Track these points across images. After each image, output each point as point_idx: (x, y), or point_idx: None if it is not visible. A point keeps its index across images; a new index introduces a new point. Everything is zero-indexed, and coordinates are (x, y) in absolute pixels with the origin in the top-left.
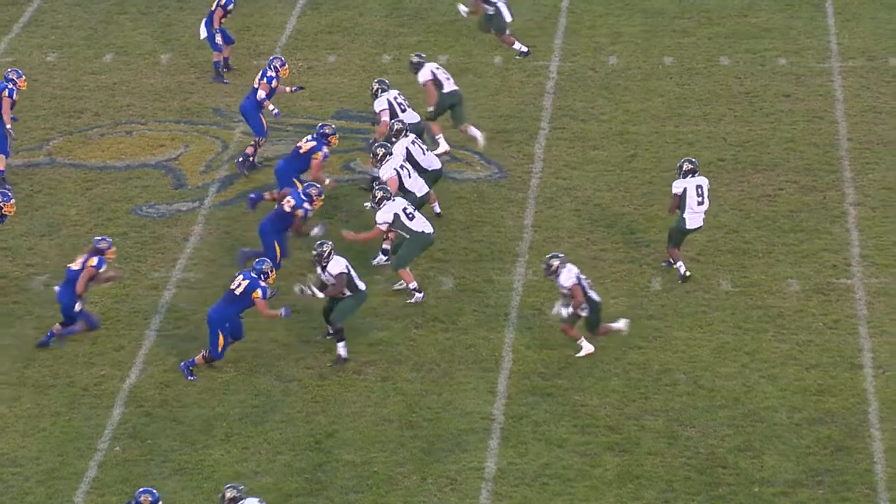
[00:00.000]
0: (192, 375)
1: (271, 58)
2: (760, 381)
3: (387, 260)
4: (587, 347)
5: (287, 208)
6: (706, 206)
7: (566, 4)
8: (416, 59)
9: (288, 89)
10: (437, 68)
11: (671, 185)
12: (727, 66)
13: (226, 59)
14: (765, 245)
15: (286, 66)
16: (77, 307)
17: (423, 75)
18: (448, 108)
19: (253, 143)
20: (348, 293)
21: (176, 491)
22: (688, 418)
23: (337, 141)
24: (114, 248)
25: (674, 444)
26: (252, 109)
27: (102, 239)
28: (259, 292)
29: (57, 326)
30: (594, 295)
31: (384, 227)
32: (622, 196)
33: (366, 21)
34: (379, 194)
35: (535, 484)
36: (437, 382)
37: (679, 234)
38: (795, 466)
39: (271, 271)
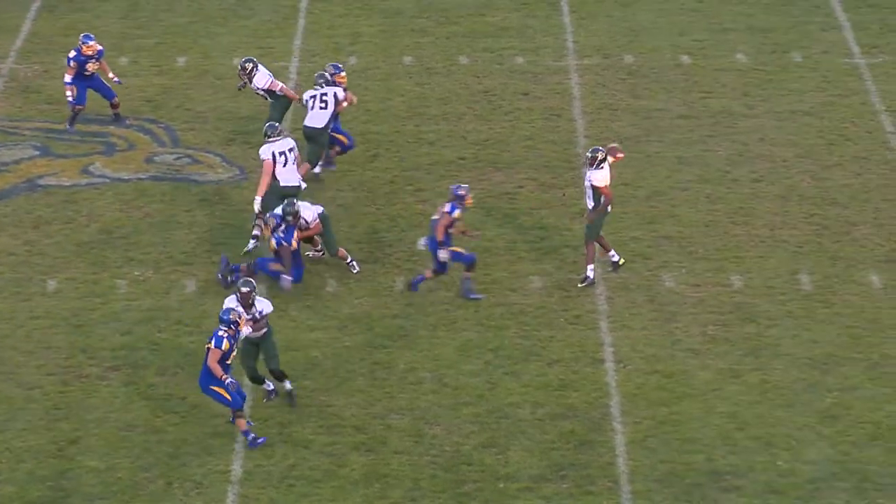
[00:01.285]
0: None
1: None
2: (504, 377)
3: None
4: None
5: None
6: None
7: (304, 5)
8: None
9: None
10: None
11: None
12: (466, 65)
13: None
14: (506, 242)
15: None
16: (442, 256)
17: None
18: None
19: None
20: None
21: None
22: (433, 416)
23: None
24: (471, 197)
25: (420, 443)
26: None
27: (460, 187)
28: (212, 342)
29: (428, 272)
30: None
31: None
32: (365, 196)
33: (102, 24)
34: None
35: (282, 485)
36: (182, 386)
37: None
38: (539, 461)
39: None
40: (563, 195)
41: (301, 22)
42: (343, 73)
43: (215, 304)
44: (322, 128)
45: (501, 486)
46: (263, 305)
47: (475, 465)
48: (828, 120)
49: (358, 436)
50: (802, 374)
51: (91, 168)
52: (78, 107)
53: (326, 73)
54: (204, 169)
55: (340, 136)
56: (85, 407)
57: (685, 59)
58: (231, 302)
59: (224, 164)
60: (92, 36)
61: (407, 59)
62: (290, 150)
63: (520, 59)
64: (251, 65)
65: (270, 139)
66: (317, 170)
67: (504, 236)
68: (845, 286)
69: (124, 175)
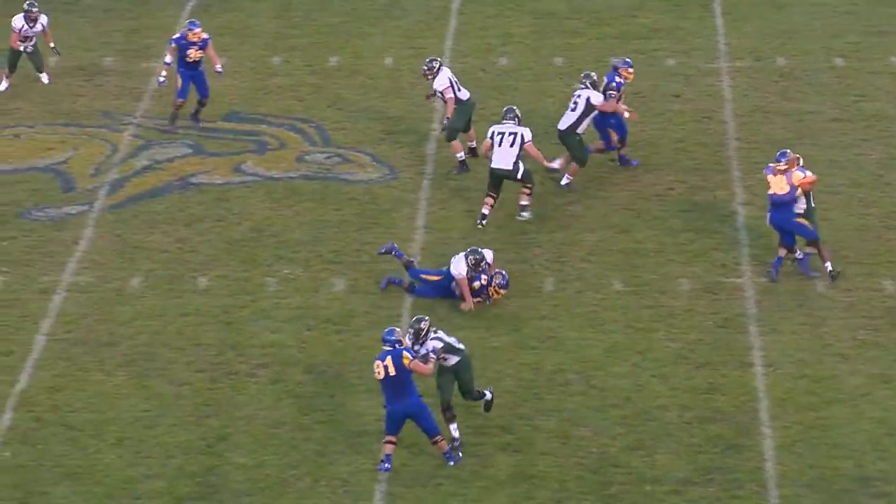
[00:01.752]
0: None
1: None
2: (651, 380)
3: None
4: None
5: None
6: None
7: (456, 6)
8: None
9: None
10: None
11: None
12: None
13: None
14: (655, 245)
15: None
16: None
17: (441, 82)
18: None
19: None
20: (454, 359)
21: (66, 496)
22: (580, 418)
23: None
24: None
25: (566, 444)
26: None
27: None
28: (408, 355)
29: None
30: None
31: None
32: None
33: (256, 23)
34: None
35: (430, 484)
36: (330, 384)
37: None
38: (686, 465)
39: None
40: (714, 198)
41: (452, 22)
42: (630, 69)
43: (362, 302)
44: (509, 169)
45: (648, 488)
46: (434, 343)
47: (622, 467)
48: None
49: (505, 436)
50: None
51: (243, 166)
52: (180, 101)
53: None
54: (354, 168)
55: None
56: (234, 404)
57: (839, 61)
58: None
59: (374, 163)
60: (198, 23)
61: (558, 60)
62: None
63: (671, 61)
64: (437, 63)
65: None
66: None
67: (653, 238)
68: None
69: (275, 173)
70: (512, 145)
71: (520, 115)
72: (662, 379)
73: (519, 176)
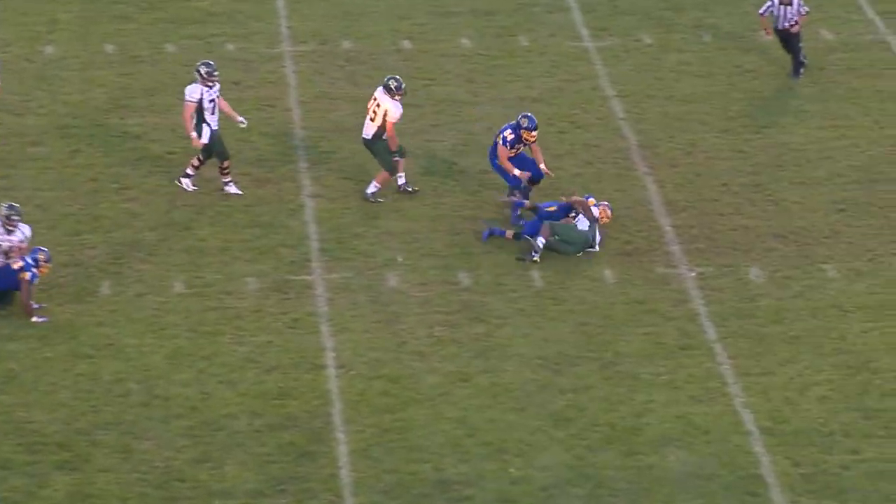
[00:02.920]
0: None
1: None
2: (218, 387)
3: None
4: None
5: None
6: None
7: None
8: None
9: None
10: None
11: None
12: (173, 53)
13: None
14: (219, 242)
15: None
16: None
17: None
18: None
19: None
20: None
21: None
22: (142, 430)
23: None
24: None
25: (128, 459)
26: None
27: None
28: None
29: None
30: None
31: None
32: (66, 195)
33: None
34: None
35: None
36: None
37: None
38: (257, 475)
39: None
40: (279, 190)
41: None
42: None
43: None
44: None
45: (216, 503)
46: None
47: (188, 481)
48: (557, 106)
49: (61, 453)
50: (534, 374)
51: None
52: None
53: None
54: None
55: None
56: None
57: (406, 44)
58: None
59: None
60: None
61: (108, 48)
62: None
63: (230, 47)
64: None
65: None
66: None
67: (217, 235)
68: (577, 281)
69: None
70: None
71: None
72: (230, 385)
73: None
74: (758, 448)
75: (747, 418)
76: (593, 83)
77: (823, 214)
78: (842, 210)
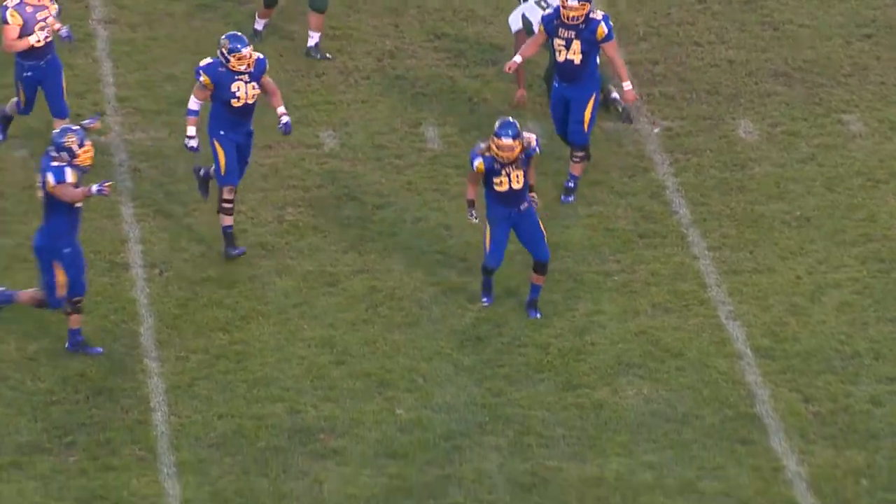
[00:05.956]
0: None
1: None
2: None
3: None
4: None
5: None
6: None
7: None
8: None
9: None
10: None
11: None
12: None
13: None
14: None
15: None
16: None
17: None
18: None
19: None
20: None
21: None
22: None
23: None
24: None
25: None
26: None
27: None
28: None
29: None
30: None
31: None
32: None
33: None
34: None
35: None
36: None
37: None
38: (31, 423)
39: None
40: None
41: None
42: None
43: None
44: None
45: None
46: None
47: None
48: None
49: None
50: (431, 275)
51: None
52: None
53: None
54: None
55: None
56: None
57: None
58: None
59: None
60: None
61: None
62: None
63: None
64: None
65: None
66: None
67: None
68: None
69: None
70: None
71: None
72: None
73: None
74: (751, 377)
75: (736, 335)
76: None
77: (843, 42)
78: (868, 36)
